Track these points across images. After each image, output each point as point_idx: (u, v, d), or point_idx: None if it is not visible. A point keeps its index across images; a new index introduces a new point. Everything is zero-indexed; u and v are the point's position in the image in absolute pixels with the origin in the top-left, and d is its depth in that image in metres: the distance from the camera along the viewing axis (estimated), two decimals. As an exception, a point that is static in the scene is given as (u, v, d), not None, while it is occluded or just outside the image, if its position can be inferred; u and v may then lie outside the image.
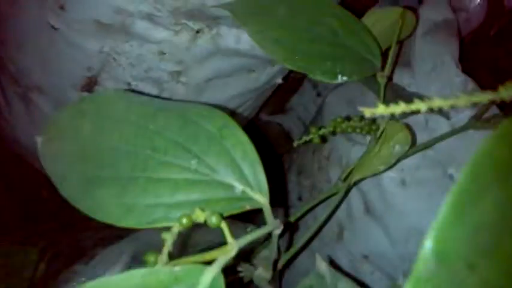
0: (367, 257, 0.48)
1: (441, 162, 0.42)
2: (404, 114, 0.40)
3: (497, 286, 0.12)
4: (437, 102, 0.16)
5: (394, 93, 0.43)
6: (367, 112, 0.18)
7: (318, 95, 0.75)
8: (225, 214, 0.23)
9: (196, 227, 0.22)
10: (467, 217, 0.12)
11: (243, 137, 0.25)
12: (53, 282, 0.45)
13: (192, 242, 0.43)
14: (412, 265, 0.39)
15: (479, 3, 0.51)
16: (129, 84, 0.48)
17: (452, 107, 0.15)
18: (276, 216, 0.26)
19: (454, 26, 0.46)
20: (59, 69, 0.49)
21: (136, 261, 0.44)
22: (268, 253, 0.30)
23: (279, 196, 0.63)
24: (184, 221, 0.21)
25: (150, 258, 0.22)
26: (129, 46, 0.45)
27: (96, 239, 0.50)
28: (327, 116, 0.56)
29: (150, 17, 0.42)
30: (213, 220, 0.20)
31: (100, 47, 0.45)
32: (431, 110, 0.17)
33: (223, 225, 0.21)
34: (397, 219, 0.45)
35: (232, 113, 0.55)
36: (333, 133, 0.38)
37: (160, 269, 0.19)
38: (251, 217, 0.34)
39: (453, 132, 0.39)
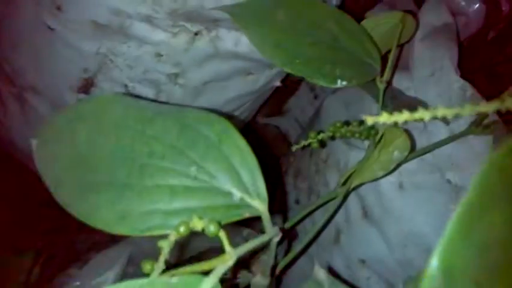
0: (364, 261, 0.48)
1: (439, 166, 0.42)
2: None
3: (504, 304, 0.12)
4: (441, 111, 0.16)
5: (392, 98, 0.43)
6: (369, 120, 0.18)
7: (316, 97, 0.75)
8: (223, 222, 0.23)
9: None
10: (474, 234, 0.11)
11: (242, 144, 0.24)
12: (48, 286, 0.45)
13: (191, 247, 0.43)
14: (409, 271, 0.39)
15: (478, 8, 0.51)
16: (126, 86, 0.47)
17: (457, 118, 0.15)
18: (274, 223, 0.26)
19: (453, 30, 0.46)
20: (55, 70, 0.49)
21: (132, 265, 0.44)
22: (266, 259, 0.29)
23: (276, 199, 0.63)
24: (182, 229, 0.20)
25: (147, 266, 0.22)
26: (126, 47, 0.45)
27: (91, 242, 0.50)
28: (324, 119, 0.56)
29: (148, 19, 0.42)
30: (211, 229, 0.20)
31: (97, 48, 0.45)
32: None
33: (222, 234, 0.20)
34: (394, 223, 0.44)
35: (230, 116, 0.55)
36: (332, 138, 0.37)
37: (157, 280, 0.18)
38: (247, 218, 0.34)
39: (453, 138, 0.38)
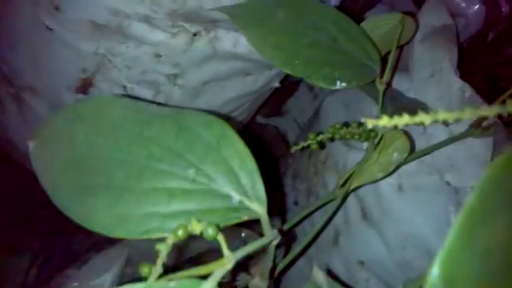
0: (363, 263, 0.48)
1: (438, 168, 0.41)
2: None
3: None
4: (442, 115, 0.16)
5: (392, 99, 0.43)
6: (370, 123, 0.18)
7: (315, 97, 0.75)
8: (222, 225, 0.22)
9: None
10: (476, 241, 0.11)
11: (241, 146, 0.24)
12: (45, 287, 0.44)
13: (190, 248, 0.43)
14: (408, 273, 0.38)
15: (477, 9, 0.51)
16: (124, 86, 0.47)
17: (457, 120, 0.15)
18: (273, 226, 0.25)
19: (453, 31, 0.46)
20: (53, 70, 0.49)
21: (131, 266, 0.43)
22: (264, 261, 0.29)
23: (275, 201, 0.63)
24: (180, 232, 0.20)
25: (145, 269, 0.21)
26: (125, 48, 0.44)
27: (89, 243, 0.50)
28: (324, 120, 0.56)
29: (146, 19, 0.42)
30: (210, 232, 0.20)
31: (95, 48, 0.45)
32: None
33: (220, 238, 0.20)
34: (393, 225, 0.44)
35: (228, 117, 0.55)
36: (331, 139, 0.37)
37: (154, 284, 0.18)
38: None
39: (452, 139, 0.38)
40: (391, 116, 0.17)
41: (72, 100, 0.49)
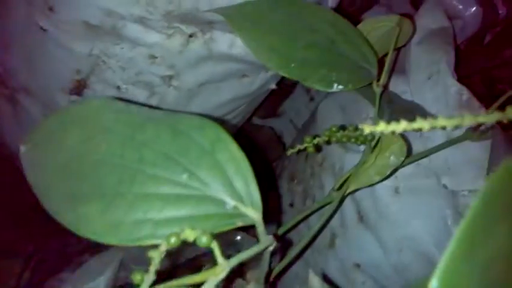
0: (360, 266, 0.48)
1: (435, 171, 0.41)
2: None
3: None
4: (441, 122, 0.15)
5: (389, 101, 0.42)
6: (367, 128, 0.17)
7: (311, 99, 0.75)
8: (216, 231, 0.22)
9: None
10: (477, 252, 0.11)
11: (236, 150, 0.24)
12: (38, 290, 0.44)
13: (187, 250, 0.42)
14: (405, 276, 0.38)
15: (474, 12, 0.51)
16: (119, 87, 0.47)
17: (457, 127, 0.15)
18: (268, 231, 0.25)
19: (450, 34, 0.46)
20: (47, 71, 0.48)
21: (124, 270, 0.43)
22: (260, 267, 0.29)
23: (270, 202, 0.62)
24: (173, 240, 0.20)
25: (137, 276, 0.21)
26: (119, 49, 0.44)
27: (83, 246, 0.49)
28: (320, 122, 0.56)
29: (142, 20, 0.41)
30: (204, 240, 0.20)
31: (89, 49, 0.44)
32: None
33: (214, 245, 0.20)
34: (390, 228, 0.44)
35: (224, 119, 0.54)
36: (328, 142, 0.37)
37: (147, 293, 0.18)
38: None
39: (449, 143, 0.38)
40: (388, 118, 0.16)
41: (66, 101, 0.48)
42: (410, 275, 0.43)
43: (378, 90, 0.37)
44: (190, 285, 0.19)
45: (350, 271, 0.49)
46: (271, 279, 0.35)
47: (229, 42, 0.44)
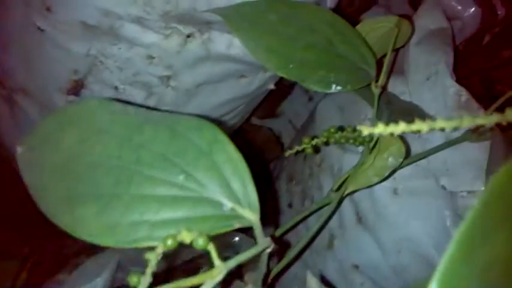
0: (358, 267, 0.48)
1: (434, 172, 0.41)
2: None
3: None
4: (439, 123, 0.15)
5: (387, 102, 0.42)
6: (365, 130, 0.17)
7: (310, 99, 0.75)
8: (213, 233, 0.22)
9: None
10: (476, 255, 0.11)
11: (234, 152, 0.23)
12: (35, 292, 0.44)
13: (184, 252, 0.42)
14: (403, 277, 0.38)
15: (473, 12, 0.51)
16: (116, 88, 0.47)
17: (456, 129, 0.14)
18: (266, 233, 0.25)
19: (448, 34, 0.46)
20: (45, 71, 0.48)
21: (121, 271, 0.43)
22: (258, 268, 0.28)
23: (268, 203, 0.62)
24: (169, 242, 0.19)
25: (133, 279, 0.21)
26: (117, 49, 0.44)
27: (80, 247, 0.49)
28: (319, 123, 0.55)
29: (139, 20, 0.41)
30: (200, 242, 0.19)
31: (87, 49, 0.44)
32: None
33: (211, 247, 0.20)
34: (388, 229, 0.44)
35: (222, 120, 0.54)
36: (326, 143, 0.37)
37: (143, 296, 0.18)
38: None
39: (448, 144, 0.38)
40: (386, 119, 0.16)
41: (64, 102, 0.48)
42: (408, 276, 0.43)
43: (376, 91, 0.37)
44: (187, 288, 0.19)
45: (348, 272, 0.48)
46: (269, 280, 0.35)
47: (227, 43, 0.44)
